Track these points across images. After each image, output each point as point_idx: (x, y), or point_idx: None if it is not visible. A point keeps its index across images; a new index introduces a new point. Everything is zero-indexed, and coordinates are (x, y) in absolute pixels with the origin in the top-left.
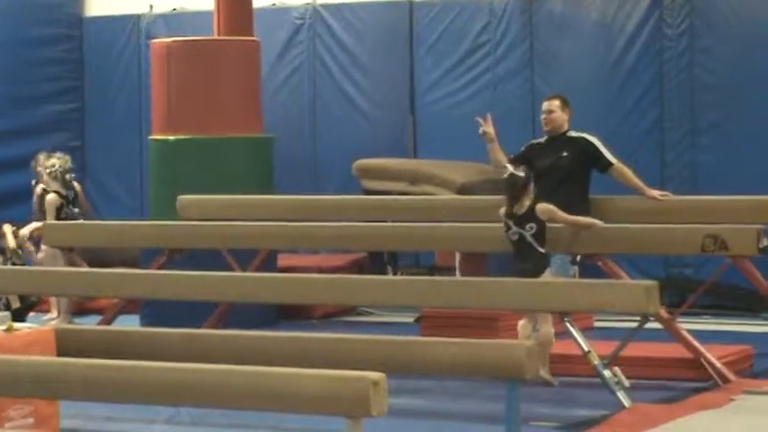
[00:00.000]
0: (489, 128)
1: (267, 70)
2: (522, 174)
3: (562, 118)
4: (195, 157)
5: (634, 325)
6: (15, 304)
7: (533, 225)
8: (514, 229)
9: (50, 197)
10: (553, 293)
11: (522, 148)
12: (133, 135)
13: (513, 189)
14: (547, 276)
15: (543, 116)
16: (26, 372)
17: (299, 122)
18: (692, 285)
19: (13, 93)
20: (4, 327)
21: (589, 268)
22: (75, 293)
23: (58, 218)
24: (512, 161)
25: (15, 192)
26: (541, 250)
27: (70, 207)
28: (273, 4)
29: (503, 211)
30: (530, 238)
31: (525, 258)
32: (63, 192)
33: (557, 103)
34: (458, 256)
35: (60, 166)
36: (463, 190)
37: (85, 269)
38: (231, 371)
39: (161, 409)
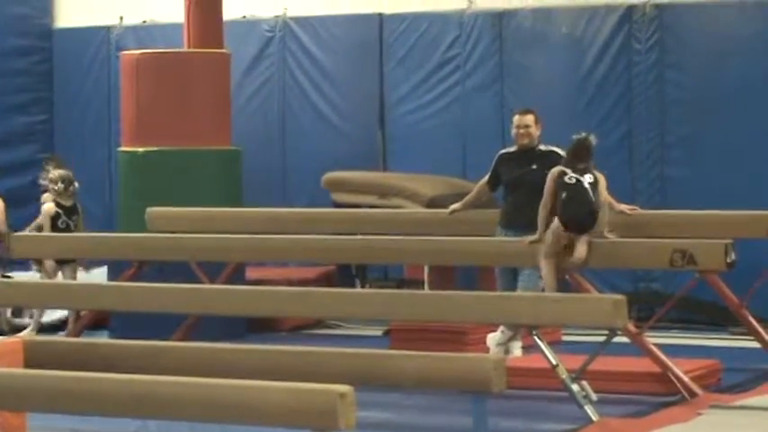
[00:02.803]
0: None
1: (237, 82)
2: (589, 140)
3: (536, 132)
4: (164, 169)
5: (602, 339)
6: None
7: (591, 176)
8: (571, 174)
9: (46, 206)
10: (521, 307)
11: (493, 163)
12: (102, 147)
13: (576, 148)
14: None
15: (519, 130)
16: None
17: (268, 135)
18: (660, 299)
19: None
20: None
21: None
22: (45, 305)
23: (53, 227)
24: (488, 183)
25: None
26: (594, 199)
27: (66, 217)
28: (244, 17)
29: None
30: (587, 184)
31: (581, 202)
32: (63, 202)
33: (531, 117)
34: (426, 269)
35: (61, 178)
36: (433, 203)
37: (55, 281)
38: (198, 383)
39: (128, 421)
